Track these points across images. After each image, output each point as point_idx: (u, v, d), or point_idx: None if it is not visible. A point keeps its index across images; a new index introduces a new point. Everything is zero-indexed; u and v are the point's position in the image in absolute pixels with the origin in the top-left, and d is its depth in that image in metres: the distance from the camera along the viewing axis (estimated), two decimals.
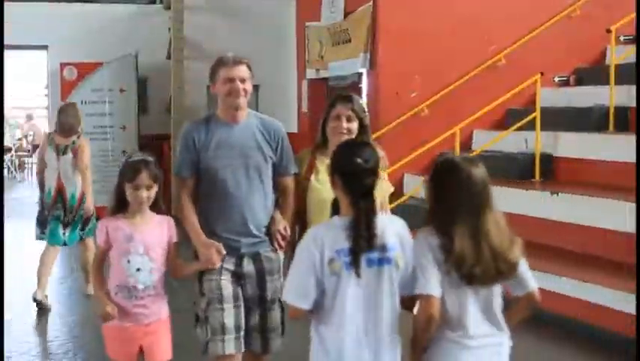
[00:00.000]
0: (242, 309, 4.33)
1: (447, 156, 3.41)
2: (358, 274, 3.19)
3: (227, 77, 4.32)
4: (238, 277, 4.35)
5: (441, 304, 3.23)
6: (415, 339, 3.28)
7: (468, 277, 3.21)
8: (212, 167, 4.32)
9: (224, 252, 4.28)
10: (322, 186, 4.26)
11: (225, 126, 4.37)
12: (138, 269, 4.12)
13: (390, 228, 3.30)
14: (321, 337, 3.29)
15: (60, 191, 7.77)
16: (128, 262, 4.11)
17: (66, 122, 8.00)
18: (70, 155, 7.79)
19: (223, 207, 4.33)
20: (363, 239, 3.18)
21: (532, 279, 3.39)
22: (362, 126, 4.43)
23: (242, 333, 4.30)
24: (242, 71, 4.35)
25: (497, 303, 3.32)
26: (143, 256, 4.13)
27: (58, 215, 7.78)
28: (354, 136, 4.35)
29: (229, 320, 4.26)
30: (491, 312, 3.30)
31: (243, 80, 4.32)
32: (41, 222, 7.92)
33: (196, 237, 4.32)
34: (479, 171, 3.32)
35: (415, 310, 3.29)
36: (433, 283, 3.20)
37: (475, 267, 3.19)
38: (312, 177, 4.44)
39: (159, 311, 4.22)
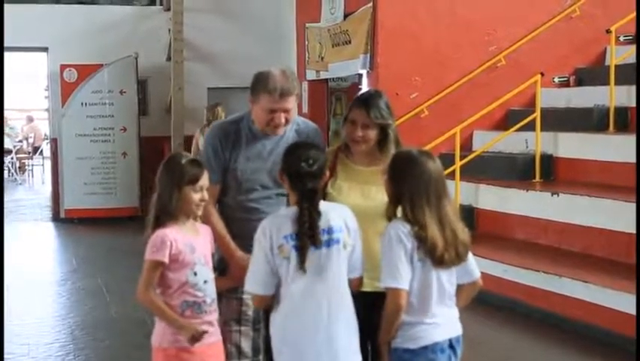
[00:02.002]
0: (262, 331, 4.05)
1: (405, 150, 3.64)
2: (303, 270, 3.35)
3: (270, 108, 3.92)
4: None
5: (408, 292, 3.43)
6: (386, 326, 3.44)
7: (439, 261, 3.42)
8: (239, 179, 4.04)
9: None
10: (337, 194, 3.92)
11: (259, 137, 4.04)
12: (205, 281, 3.75)
13: (334, 212, 3.48)
14: (278, 322, 3.44)
15: None
16: (195, 274, 3.72)
17: (214, 119, 10.19)
18: None
19: (248, 221, 3.97)
20: (306, 237, 3.36)
21: (476, 267, 3.63)
22: (384, 134, 3.96)
23: (260, 357, 4.06)
24: (288, 102, 3.93)
25: (453, 284, 3.55)
26: (205, 266, 3.77)
27: None
28: (371, 144, 3.95)
29: (246, 344, 4.03)
30: (446, 293, 3.52)
31: (286, 111, 3.95)
32: None
33: (229, 251, 4.01)
34: (436, 163, 3.54)
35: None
36: (404, 277, 3.38)
37: (445, 251, 3.42)
38: (329, 183, 3.95)
39: (218, 329, 3.87)
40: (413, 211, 3.42)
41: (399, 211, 3.51)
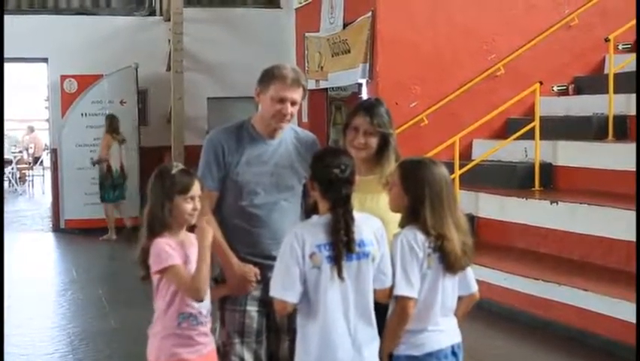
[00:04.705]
0: (264, 343, 4.06)
1: (411, 159, 3.64)
2: (341, 278, 3.33)
3: (279, 97, 3.93)
4: (265, 304, 3.95)
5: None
6: (391, 334, 3.47)
7: (453, 268, 3.49)
8: (240, 183, 4.00)
9: (259, 278, 3.96)
10: None
11: (259, 141, 4.04)
12: None
13: (367, 224, 3.44)
14: (306, 332, 3.41)
15: None
16: None
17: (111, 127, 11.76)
18: None
19: (249, 229, 4.02)
20: (342, 244, 3.33)
21: (474, 281, 3.67)
22: (385, 142, 3.98)
23: None
24: (297, 93, 3.97)
25: (455, 294, 3.59)
26: None
27: None
28: (371, 152, 3.97)
29: (249, 356, 4.02)
30: (449, 302, 3.56)
31: (294, 103, 3.97)
32: None
33: (226, 259, 3.98)
34: (444, 169, 3.58)
35: (390, 308, 3.50)
36: (415, 286, 3.42)
37: (461, 260, 3.49)
38: None
39: (213, 338, 3.87)
40: (434, 221, 3.43)
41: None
